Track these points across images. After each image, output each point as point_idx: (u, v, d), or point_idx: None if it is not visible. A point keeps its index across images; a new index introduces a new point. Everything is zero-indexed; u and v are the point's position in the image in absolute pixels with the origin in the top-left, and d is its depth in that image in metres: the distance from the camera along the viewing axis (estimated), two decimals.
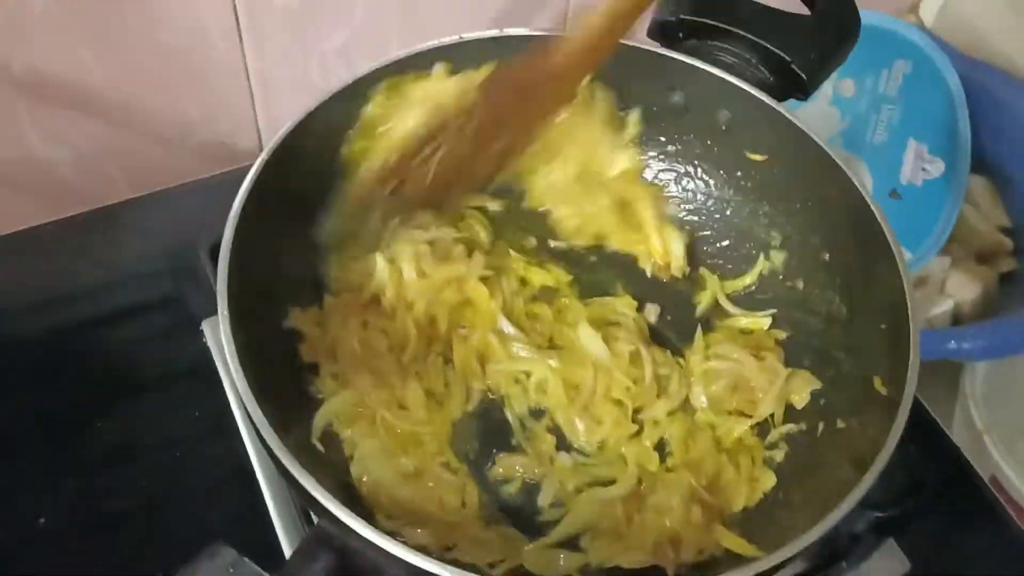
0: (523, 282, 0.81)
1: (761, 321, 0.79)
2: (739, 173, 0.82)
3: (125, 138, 0.93)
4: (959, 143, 1.07)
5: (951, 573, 0.76)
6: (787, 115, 0.75)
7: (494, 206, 0.82)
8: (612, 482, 0.70)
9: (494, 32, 0.77)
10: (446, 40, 0.75)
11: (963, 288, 1.06)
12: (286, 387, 0.66)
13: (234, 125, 0.98)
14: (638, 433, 0.73)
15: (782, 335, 0.78)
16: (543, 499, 0.68)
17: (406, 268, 0.74)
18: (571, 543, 0.66)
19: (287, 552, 0.71)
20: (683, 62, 0.77)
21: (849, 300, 0.73)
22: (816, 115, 1.14)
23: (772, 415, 0.73)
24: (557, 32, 0.75)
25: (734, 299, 0.82)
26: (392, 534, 0.49)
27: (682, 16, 0.78)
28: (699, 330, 0.79)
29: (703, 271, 0.83)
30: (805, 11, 0.79)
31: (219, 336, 0.79)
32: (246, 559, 0.47)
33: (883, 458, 0.56)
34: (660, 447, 0.73)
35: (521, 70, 0.66)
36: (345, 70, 0.97)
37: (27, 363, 0.84)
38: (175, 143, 0.96)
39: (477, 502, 0.67)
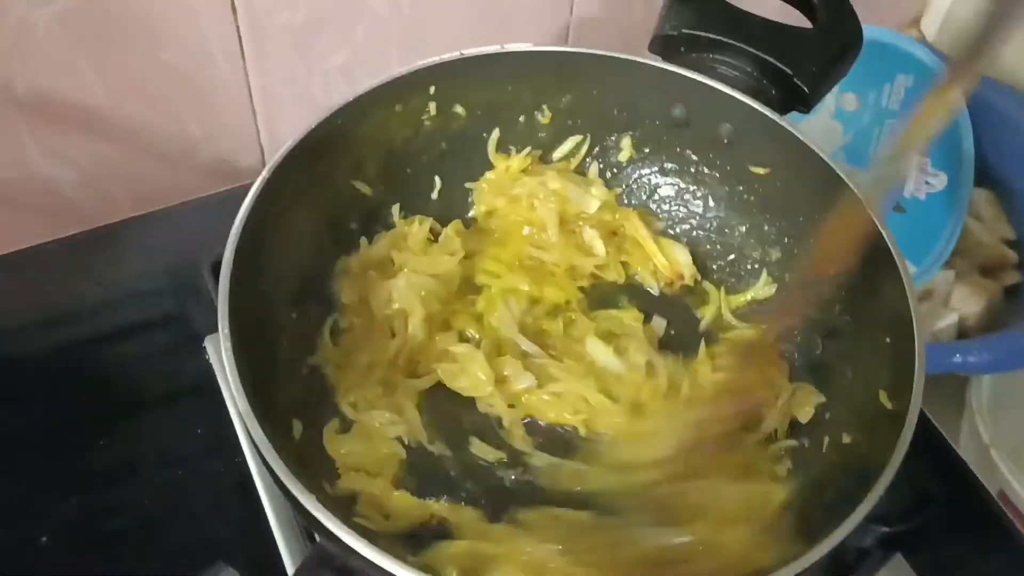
0: (534, 300, 0.80)
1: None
2: (741, 187, 0.82)
3: (128, 157, 0.93)
4: (962, 156, 1.07)
5: None
6: (789, 128, 0.75)
7: None
8: None
9: (495, 48, 0.77)
10: (447, 57, 0.75)
11: (968, 301, 1.06)
12: (287, 405, 0.65)
13: (236, 143, 0.98)
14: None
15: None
16: None
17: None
18: None
19: (289, 570, 0.70)
20: (684, 76, 0.77)
21: (853, 314, 0.73)
22: (819, 129, 1.14)
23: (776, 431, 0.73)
24: (557, 47, 0.76)
25: (738, 313, 0.82)
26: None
27: (684, 30, 0.78)
28: (703, 343, 0.79)
29: (707, 284, 0.83)
30: (807, 24, 0.79)
31: (222, 353, 0.80)
32: None
33: (889, 473, 0.56)
34: None
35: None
36: (346, 87, 0.98)
37: (29, 380, 0.84)
38: (178, 161, 0.96)
39: None
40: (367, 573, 0.49)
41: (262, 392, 0.56)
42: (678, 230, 0.86)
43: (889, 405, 0.64)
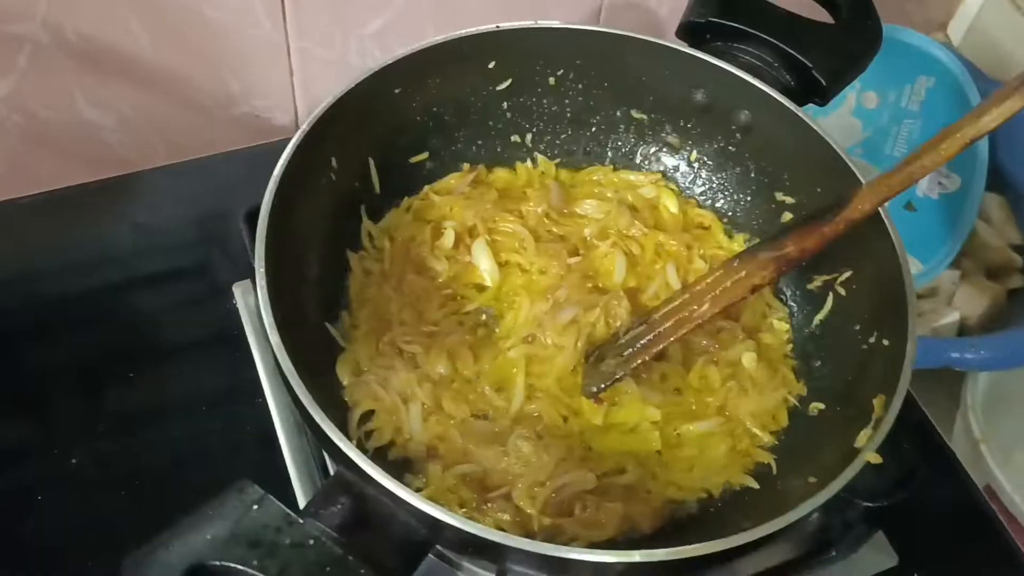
0: None
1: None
2: (753, 174, 0.85)
3: (167, 107, 0.96)
4: (977, 160, 1.09)
5: (937, 573, 0.78)
6: (805, 118, 0.77)
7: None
8: None
9: (529, 23, 0.80)
10: (483, 28, 0.78)
11: (971, 302, 1.08)
12: (312, 345, 0.69)
13: (272, 101, 1.01)
14: None
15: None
16: None
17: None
18: None
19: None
20: (708, 62, 0.80)
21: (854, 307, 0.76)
22: (838, 125, 1.17)
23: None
24: (589, 26, 0.78)
25: None
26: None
27: (710, 18, 0.81)
28: None
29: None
30: (830, 19, 0.82)
31: (249, 300, 0.84)
32: (271, 496, 0.50)
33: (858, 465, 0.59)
34: None
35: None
36: (381, 53, 1.01)
37: (63, 318, 0.88)
38: (214, 114, 0.99)
39: None
40: (380, 499, 0.53)
41: (290, 329, 0.60)
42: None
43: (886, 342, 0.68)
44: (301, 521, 0.50)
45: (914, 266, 1.01)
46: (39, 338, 0.86)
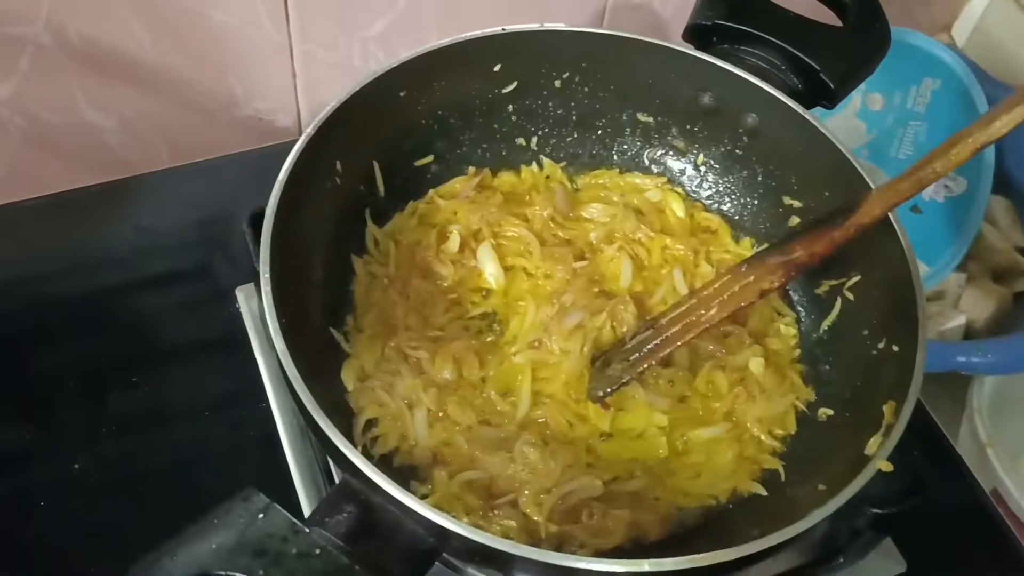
0: None
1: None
2: (760, 177, 0.84)
3: (169, 109, 0.96)
4: (983, 163, 1.08)
5: None
6: (813, 121, 0.77)
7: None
8: None
9: (535, 26, 0.79)
10: (488, 31, 0.78)
11: (977, 305, 1.08)
12: (316, 350, 0.69)
13: (275, 103, 1.01)
14: None
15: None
16: None
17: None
18: None
19: (307, 513, 0.73)
20: (715, 64, 0.79)
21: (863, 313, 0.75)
22: (843, 127, 1.16)
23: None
24: (597, 29, 0.78)
25: None
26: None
27: (717, 20, 0.80)
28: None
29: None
30: (837, 22, 0.81)
31: (252, 304, 0.84)
32: (276, 505, 0.49)
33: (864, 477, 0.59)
34: None
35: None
36: (385, 56, 1.00)
37: (66, 321, 0.87)
38: (217, 117, 0.99)
39: None
40: (386, 507, 0.52)
41: (294, 334, 0.59)
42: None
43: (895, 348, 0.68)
44: (307, 530, 0.50)
45: (920, 269, 1.01)
46: (42, 342, 0.86)
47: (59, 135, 0.93)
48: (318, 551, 0.49)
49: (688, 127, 0.86)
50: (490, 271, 0.79)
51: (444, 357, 0.71)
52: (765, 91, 0.78)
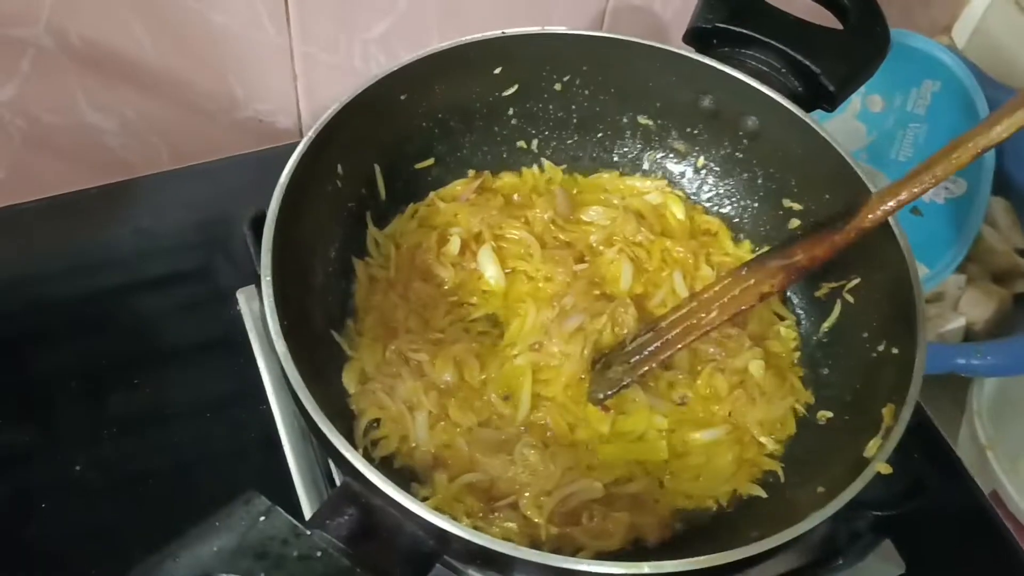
0: None
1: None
2: (760, 180, 0.84)
3: (170, 111, 0.96)
4: (983, 165, 1.08)
5: None
6: (813, 125, 0.77)
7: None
8: None
9: (535, 29, 0.79)
10: (489, 34, 0.78)
11: (977, 306, 1.08)
12: (317, 352, 0.69)
13: (276, 105, 1.01)
14: None
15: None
16: None
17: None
18: None
19: (308, 515, 0.73)
20: (715, 67, 0.79)
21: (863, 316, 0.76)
22: (842, 129, 1.16)
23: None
24: (597, 32, 0.77)
25: None
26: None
27: (717, 23, 0.80)
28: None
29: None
30: (837, 25, 0.82)
31: (253, 306, 0.84)
32: (278, 508, 0.50)
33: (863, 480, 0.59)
34: None
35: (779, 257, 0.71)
36: (385, 58, 1.00)
37: (66, 322, 0.87)
38: (217, 119, 0.99)
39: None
40: (387, 510, 0.53)
41: (295, 337, 0.60)
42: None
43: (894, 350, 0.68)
44: (308, 533, 0.50)
45: (920, 270, 1.01)
46: (43, 343, 0.86)
47: (60, 137, 0.93)
48: (319, 554, 0.49)
49: (688, 130, 0.86)
50: (491, 274, 0.79)
51: (445, 359, 0.71)
52: (765, 94, 0.78)
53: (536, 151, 0.88)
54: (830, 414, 0.73)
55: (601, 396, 0.71)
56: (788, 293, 0.82)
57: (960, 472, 0.85)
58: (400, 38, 0.99)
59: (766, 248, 0.83)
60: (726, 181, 0.86)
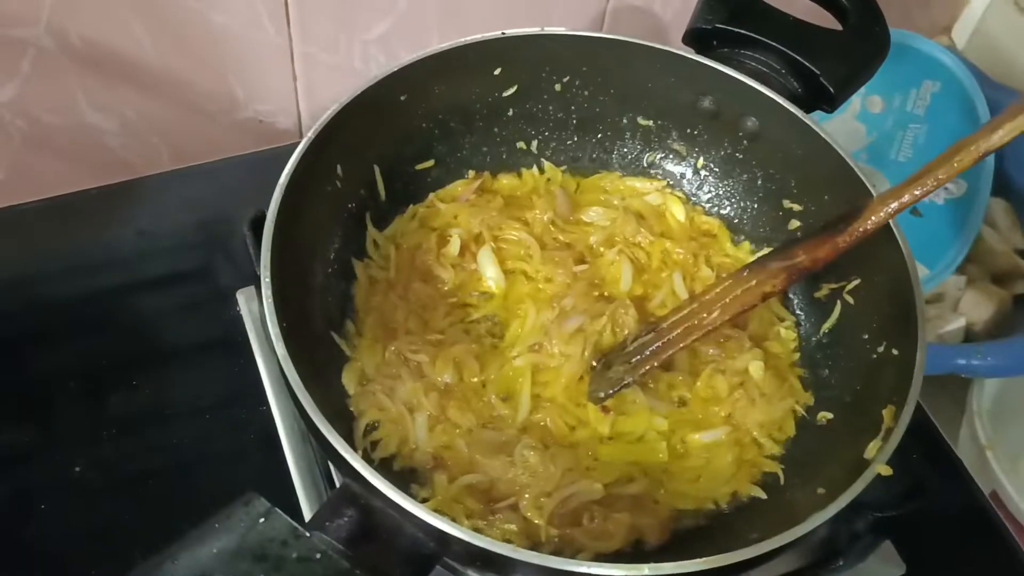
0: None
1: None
2: (760, 181, 0.84)
3: (170, 111, 0.96)
4: (982, 166, 1.08)
5: None
6: (813, 126, 0.77)
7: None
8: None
9: (535, 30, 0.79)
10: (489, 35, 0.78)
11: (977, 307, 1.08)
12: (317, 353, 0.69)
13: (276, 106, 1.01)
14: None
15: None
16: None
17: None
18: None
19: (307, 516, 0.73)
20: (715, 68, 0.79)
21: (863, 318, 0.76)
22: (842, 130, 1.16)
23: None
24: (597, 33, 0.78)
25: None
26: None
27: (717, 24, 0.80)
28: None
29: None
30: (837, 26, 0.82)
31: (252, 306, 0.84)
32: (277, 510, 0.50)
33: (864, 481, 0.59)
34: None
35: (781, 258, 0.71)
36: (385, 59, 1.00)
37: (66, 322, 0.87)
38: (217, 119, 0.99)
39: None
40: (387, 511, 0.53)
41: (295, 338, 0.60)
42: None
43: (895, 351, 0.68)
44: (308, 534, 0.50)
45: (920, 271, 1.01)
46: (43, 344, 0.86)
47: (60, 137, 0.93)
48: (319, 555, 0.49)
49: (688, 131, 0.86)
50: (490, 275, 0.79)
51: (444, 361, 0.71)
52: (765, 95, 0.78)
53: (536, 152, 0.88)
54: (830, 415, 0.73)
55: (602, 395, 0.71)
56: (788, 294, 0.82)
57: (960, 473, 0.85)
58: (400, 39, 0.99)
59: (766, 249, 0.83)
60: (726, 182, 0.86)
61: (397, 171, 0.81)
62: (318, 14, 0.94)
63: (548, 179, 0.87)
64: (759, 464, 0.72)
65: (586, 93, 0.85)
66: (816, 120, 0.77)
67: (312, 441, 0.76)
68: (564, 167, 0.88)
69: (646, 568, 0.53)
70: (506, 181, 0.86)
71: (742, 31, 0.80)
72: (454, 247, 0.79)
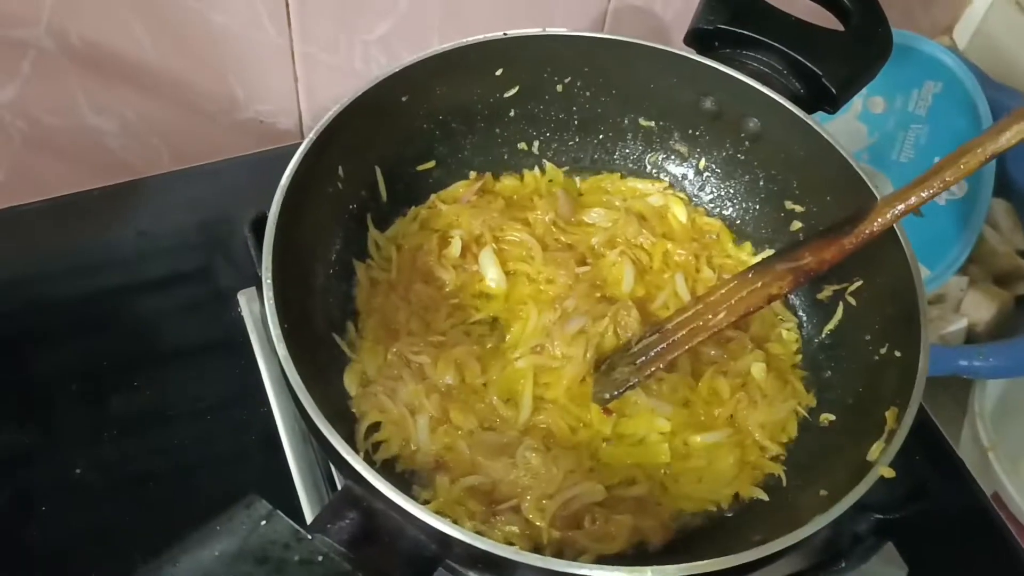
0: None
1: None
2: (762, 182, 0.84)
3: (170, 112, 0.96)
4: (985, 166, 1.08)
5: None
6: (815, 126, 0.77)
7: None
8: None
9: (536, 31, 0.79)
10: (490, 36, 0.78)
11: (979, 308, 1.08)
12: (319, 355, 0.69)
13: (276, 106, 1.01)
14: None
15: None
16: None
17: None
18: None
19: (309, 517, 0.73)
20: (717, 69, 0.79)
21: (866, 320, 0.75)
22: (844, 130, 1.16)
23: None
24: (598, 34, 0.77)
25: None
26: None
27: (719, 25, 0.80)
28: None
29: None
30: (839, 27, 0.81)
31: (254, 307, 0.84)
32: (279, 512, 0.49)
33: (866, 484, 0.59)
34: None
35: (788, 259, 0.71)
36: (386, 59, 1.00)
37: (67, 323, 0.87)
38: (218, 120, 0.99)
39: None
40: (389, 514, 0.53)
41: (296, 341, 0.59)
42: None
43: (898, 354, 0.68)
44: (309, 537, 0.50)
45: (921, 272, 1.01)
46: (43, 345, 0.86)
47: (60, 138, 0.93)
48: (320, 558, 0.49)
49: (690, 132, 0.86)
50: (492, 276, 0.79)
51: (446, 362, 0.71)
52: (767, 96, 0.78)
53: (537, 153, 0.87)
54: (832, 417, 0.73)
55: (607, 397, 0.71)
56: (790, 295, 0.82)
57: (962, 474, 0.85)
58: (401, 39, 0.99)
59: (767, 250, 0.83)
60: (728, 183, 0.86)
61: (398, 172, 0.81)
62: (319, 14, 0.94)
63: (550, 180, 0.87)
64: (761, 466, 0.72)
65: (588, 94, 0.85)
66: (818, 121, 0.77)
67: (313, 442, 0.76)
68: (566, 168, 0.88)
69: (648, 571, 0.53)
70: (507, 182, 0.86)
71: (744, 32, 0.80)
72: (455, 248, 0.79)
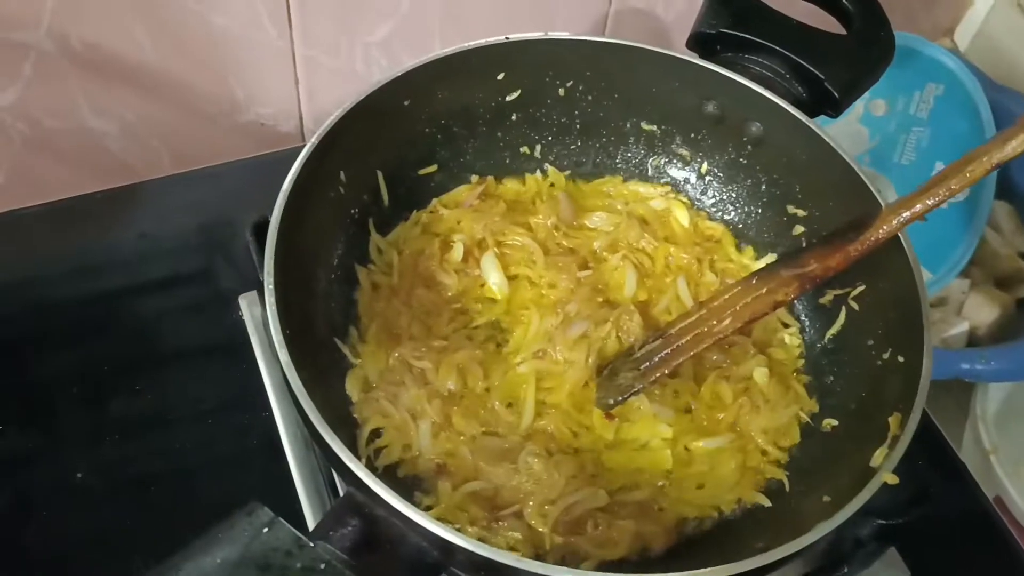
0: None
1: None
2: (764, 186, 0.84)
3: (171, 115, 0.96)
4: None
5: None
6: (817, 130, 0.76)
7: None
8: None
9: (538, 35, 0.79)
10: (492, 40, 0.77)
11: (980, 311, 1.08)
12: (320, 360, 0.69)
13: (277, 109, 1.01)
14: None
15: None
16: None
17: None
18: None
19: (311, 523, 0.73)
20: (719, 73, 0.79)
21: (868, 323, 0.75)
22: (845, 132, 1.16)
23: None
24: (601, 38, 0.77)
25: None
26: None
27: (721, 29, 0.80)
28: None
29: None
30: (841, 30, 0.81)
31: (255, 311, 0.84)
32: (281, 519, 0.49)
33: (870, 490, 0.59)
34: None
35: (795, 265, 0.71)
36: (387, 62, 1.00)
37: (68, 327, 0.87)
38: (219, 122, 0.99)
39: None
40: (391, 520, 0.52)
41: (298, 346, 0.59)
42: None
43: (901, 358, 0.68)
44: (311, 544, 0.50)
45: (923, 275, 1.01)
46: (44, 349, 0.85)
47: (61, 141, 0.92)
48: (323, 566, 0.49)
49: (692, 136, 0.85)
50: (494, 280, 0.79)
51: (448, 367, 0.71)
52: (769, 100, 0.78)
53: (539, 157, 0.87)
54: (835, 422, 0.73)
55: (611, 402, 0.71)
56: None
57: (964, 477, 0.85)
58: (402, 42, 0.99)
59: (770, 255, 0.83)
60: (730, 187, 0.86)
61: (400, 176, 0.81)
62: (320, 16, 0.94)
63: (551, 184, 0.87)
64: (764, 471, 0.72)
65: (590, 98, 0.84)
66: (820, 125, 0.77)
67: (315, 448, 0.75)
68: (568, 172, 0.88)
69: None
70: (509, 186, 0.86)
71: (746, 35, 0.80)
72: (457, 253, 0.79)
